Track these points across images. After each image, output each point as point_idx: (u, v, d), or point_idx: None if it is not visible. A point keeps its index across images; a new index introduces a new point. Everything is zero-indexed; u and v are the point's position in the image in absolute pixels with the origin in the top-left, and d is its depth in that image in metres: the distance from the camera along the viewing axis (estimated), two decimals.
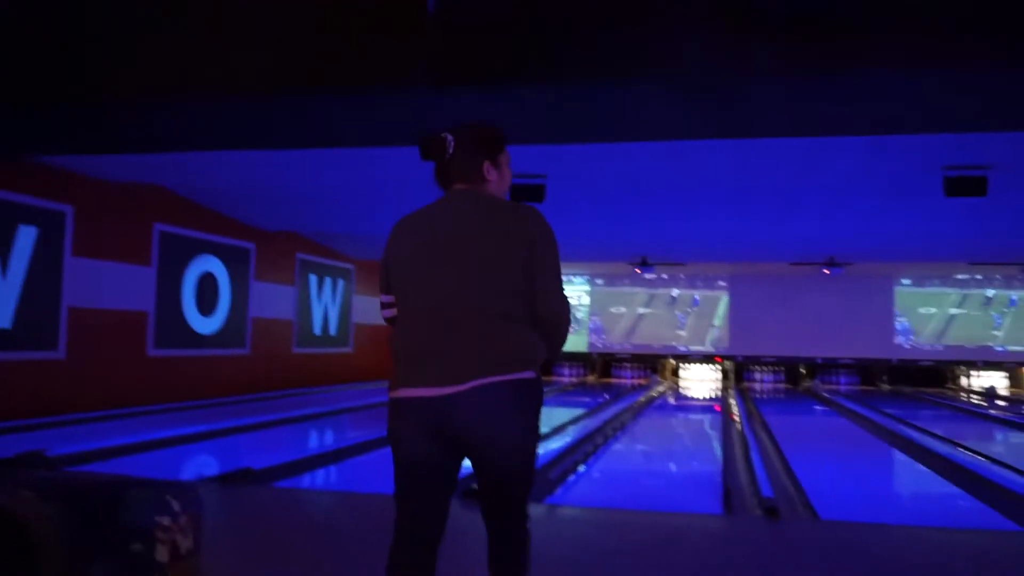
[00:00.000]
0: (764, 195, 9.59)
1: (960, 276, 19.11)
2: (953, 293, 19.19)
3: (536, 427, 2.44)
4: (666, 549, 4.15)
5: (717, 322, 19.72)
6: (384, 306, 2.56)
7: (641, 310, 20.15)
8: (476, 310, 2.37)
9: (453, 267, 2.40)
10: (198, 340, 11.87)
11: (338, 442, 8.38)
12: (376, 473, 6.55)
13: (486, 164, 2.54)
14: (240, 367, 12.85)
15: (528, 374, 2.39)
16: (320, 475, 6.62)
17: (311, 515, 4.87)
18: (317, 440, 8.90)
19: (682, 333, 19.98)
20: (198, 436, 8.06)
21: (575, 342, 20.17)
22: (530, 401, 2.40)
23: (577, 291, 20.27)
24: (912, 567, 3.91)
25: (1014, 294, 18.93)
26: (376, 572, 2.55)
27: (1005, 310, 18.94)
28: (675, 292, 20.06)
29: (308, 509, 5.09)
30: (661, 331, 20.09)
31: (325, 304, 15.42)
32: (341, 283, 16.07)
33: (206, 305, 12.07)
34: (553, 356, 2.50)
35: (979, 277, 19.01)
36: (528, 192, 8.55)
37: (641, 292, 20.26)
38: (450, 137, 2.52)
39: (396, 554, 2.43)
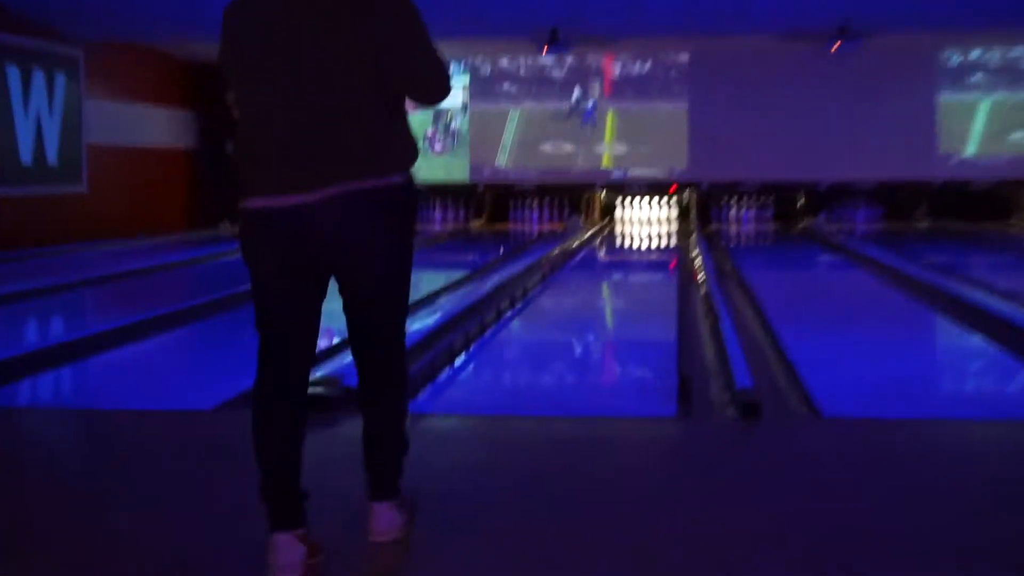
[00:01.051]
0: None
1: None
2: None
3: (408, 242, 3.26)
4: (583, 469, 4.20)
5: (668, 134, 19.83)
6: (232, 108, 3.25)
7: (550, 117, 20.03)
8: (332, 103, 3.09)
9: (304, 51, 3.11)
10: None
11: (69, 333, 8.71)
12: (131, 376, 6.69)
13: None
14: None
15: (396, 178, 3.17)
16: (42, 387, 6.81)
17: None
18: (35, 334, 9.09)
19: (616, 150, 20.03)
20: None
21: (450, 167, 19.95)
22: (398, 210, 3.20)
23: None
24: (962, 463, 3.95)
25: None
26: None
27: None
28: (595, 88, 19.98)
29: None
30: (584, 148, 20.07)
31: (36, 114, 15.25)
32: (61, 80, 15.85)
33: None
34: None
35: None
36: None
37: (551, 88, 20.08)
38: None
39: (262, 387, 3.22)
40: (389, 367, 3.33)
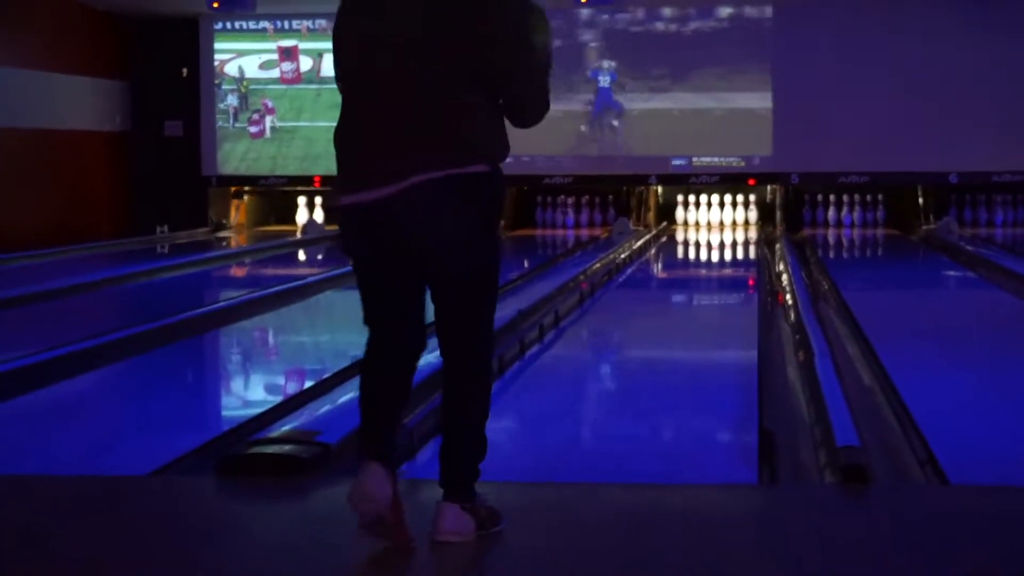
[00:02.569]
0: None
1: None
2: None
3: (492, 231, 4.21)
4: (640, 554, 4.26)
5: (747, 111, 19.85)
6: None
7: (593, 92, 20.08)
8: (419, 91, 4.09)
9: (411, 36, 4.09)
10: None
11: None
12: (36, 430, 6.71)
13: None
14: None
15: (479, 167, 4.13)
16: None
17: None
18: None
19: (679, 138, 20.03)
20: None
21: None
22: (480, 198, 4.14)
23: None
24: None
25: None
26: None
27: None
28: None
29: None
30: (638, 130, 20.09)
31: None
32: None
33: None
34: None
35: None
36: None
37: (594, 50, 20.12)
38: None
39: (369, 373, 4.37)
40: (470, 362, 4.29)
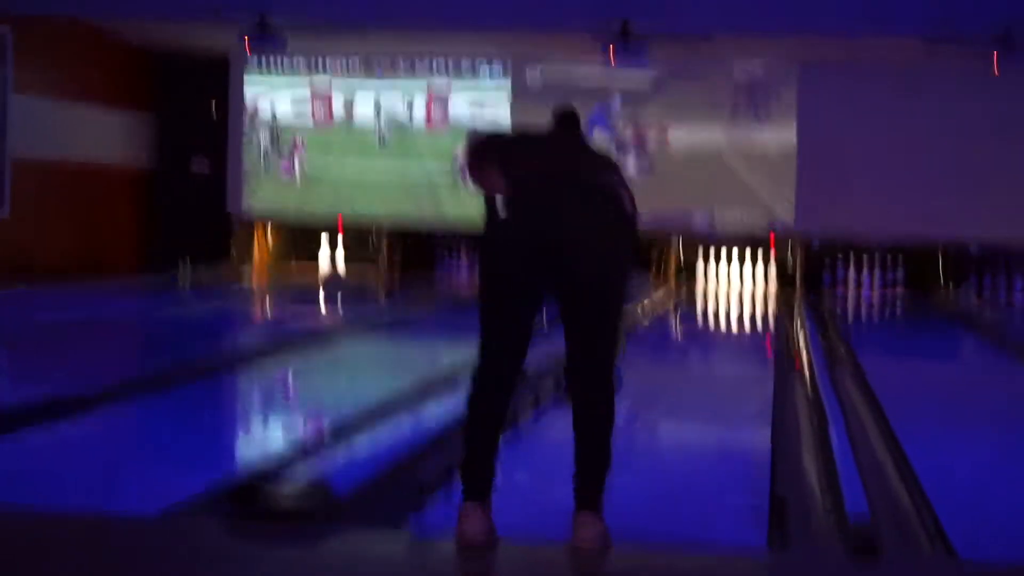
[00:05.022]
0: None
1: None
2: None
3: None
4: None
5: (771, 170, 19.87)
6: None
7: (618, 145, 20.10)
8: None
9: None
10: None
11: None
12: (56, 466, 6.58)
13: None
14: None
15: None
16: None
17: None
18: None
19: (700, 198, 20.05)
20: None
21: (470, 206, 20.05)
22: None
23: (486, 97, 20.12)
24: None
25: None
26: None
27: None
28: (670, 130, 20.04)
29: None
30: (659, 188, 20.08)
31: None
32: None
33: None
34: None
35: None
36: None
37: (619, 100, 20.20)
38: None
39: (483, 377, 5.21)
40: (601, 376, 5.16)
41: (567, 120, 5.65)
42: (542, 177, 5.20)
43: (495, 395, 5.16)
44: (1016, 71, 16.99)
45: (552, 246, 5.05)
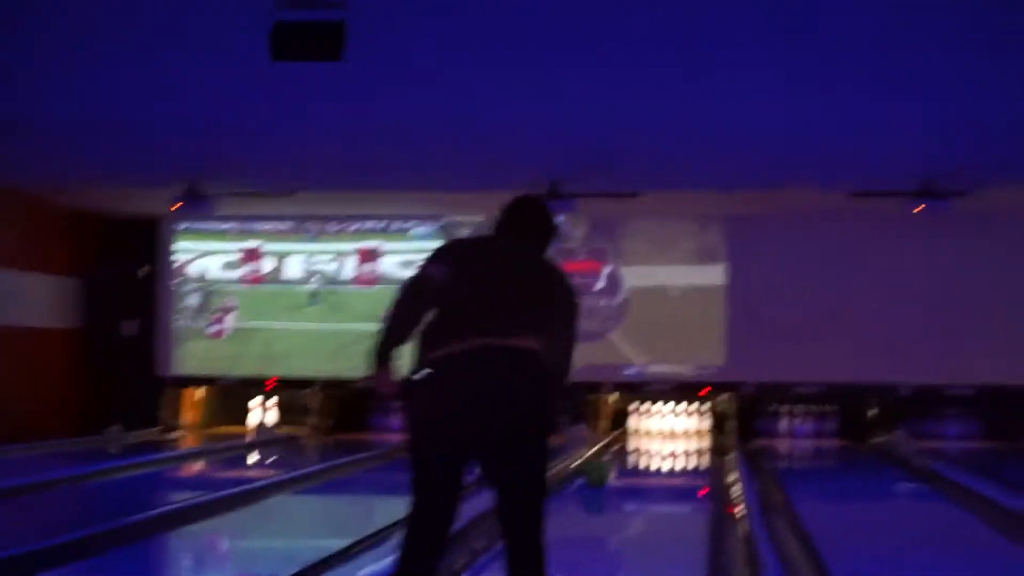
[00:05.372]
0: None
1: None
2: None
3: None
4: None
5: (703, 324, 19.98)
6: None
7: None
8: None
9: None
10: None
11: None
12: None
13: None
14: None
15: None
16: None
17: None
18: None
19: (632, 346, 20.13)
20: None
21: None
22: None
23: (417, 256, 20.15)
24: None
25: None
26: None
27: None
28: (606, 271, 20.17)
29: None
30: (592, 339, 20.17)
31: None
32: None
33: None
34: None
35: None
36: (316, 33, 10.07)
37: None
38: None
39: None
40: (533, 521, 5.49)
41: (524, 221, 5.95)
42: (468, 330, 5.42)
43: (427, 545, 5.32)
44: (939, 221, 17.27)
45: (471, 409, 5.32)
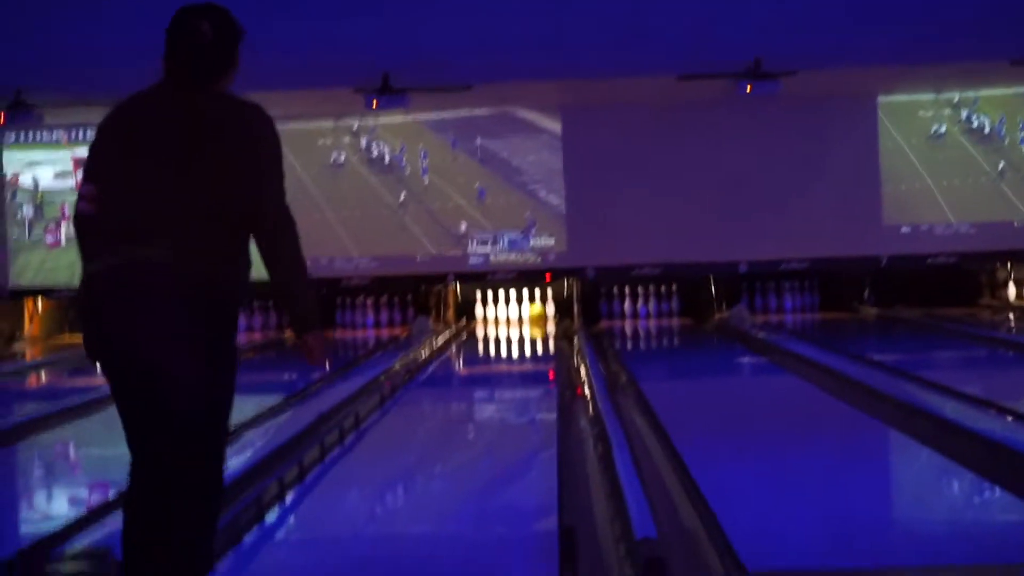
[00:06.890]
0: None
1: (1003, 91, 20.10)
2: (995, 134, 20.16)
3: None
4: None
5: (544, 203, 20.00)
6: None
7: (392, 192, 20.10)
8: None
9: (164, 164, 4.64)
10: None
11: None
12: None
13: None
14: None
15: None
16: None
17: None
18: None
19: (478, 230, 20.11)
20: None
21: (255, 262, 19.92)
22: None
23: None
24: None
25: None
26: None
27: None
28: (450, 145, 20.11)
29: None
30: (434, 229, 20.13)
31: None
32: None
33: None
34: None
35: None
36: None
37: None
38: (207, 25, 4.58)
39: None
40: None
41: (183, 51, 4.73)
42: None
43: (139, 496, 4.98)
44: (767, 97, 17.38)
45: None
